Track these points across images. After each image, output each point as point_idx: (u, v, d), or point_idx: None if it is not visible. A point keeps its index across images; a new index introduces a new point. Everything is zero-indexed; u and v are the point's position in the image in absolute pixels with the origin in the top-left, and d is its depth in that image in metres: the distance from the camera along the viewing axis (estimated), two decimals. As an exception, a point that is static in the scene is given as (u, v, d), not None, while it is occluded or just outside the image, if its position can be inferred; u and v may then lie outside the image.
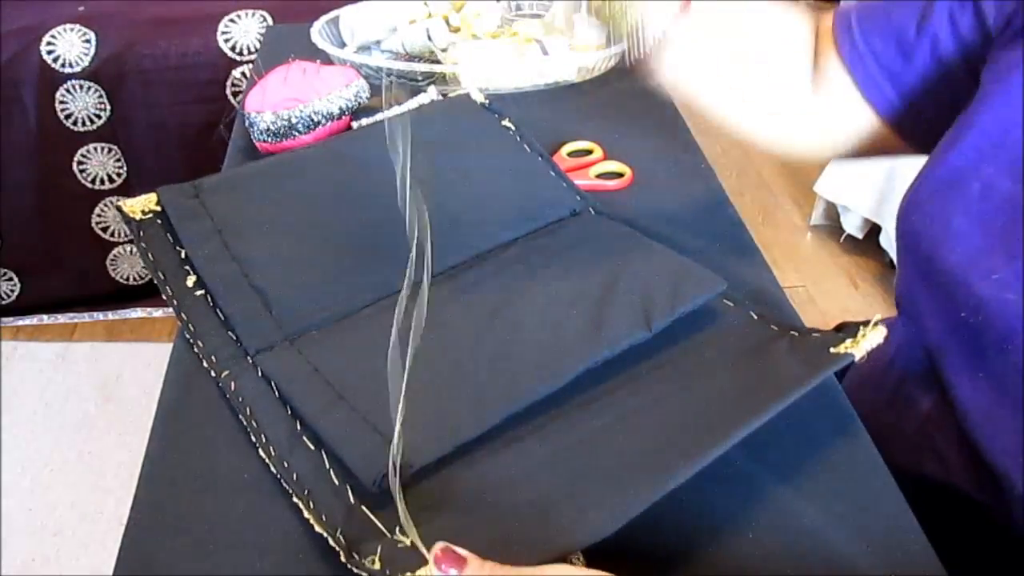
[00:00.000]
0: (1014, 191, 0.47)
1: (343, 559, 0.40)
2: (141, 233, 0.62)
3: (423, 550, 0.39)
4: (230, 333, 0.55)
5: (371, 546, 0.40)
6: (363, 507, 0.43)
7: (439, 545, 0.37)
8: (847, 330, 0.53)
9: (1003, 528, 0.53)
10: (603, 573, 0.38)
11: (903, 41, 0.55)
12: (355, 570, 0.40)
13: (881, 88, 0.56)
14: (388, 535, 0.41)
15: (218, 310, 0.57)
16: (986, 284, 0.47)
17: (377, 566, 0.39)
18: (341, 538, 0.41)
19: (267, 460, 0.47)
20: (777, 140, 0.62)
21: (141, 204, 0.63)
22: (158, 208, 0.63)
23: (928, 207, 0.51)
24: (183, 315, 0.56)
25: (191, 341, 0.55)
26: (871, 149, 0.60)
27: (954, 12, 0.53)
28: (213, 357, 0.54)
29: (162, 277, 0.59)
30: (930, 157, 0.52)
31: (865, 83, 0.57)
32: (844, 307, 1.90)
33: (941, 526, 0.45)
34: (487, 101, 0.79)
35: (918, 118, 0.57)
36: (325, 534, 0.42)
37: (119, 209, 0.63)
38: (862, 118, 0.58)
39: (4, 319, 1.78)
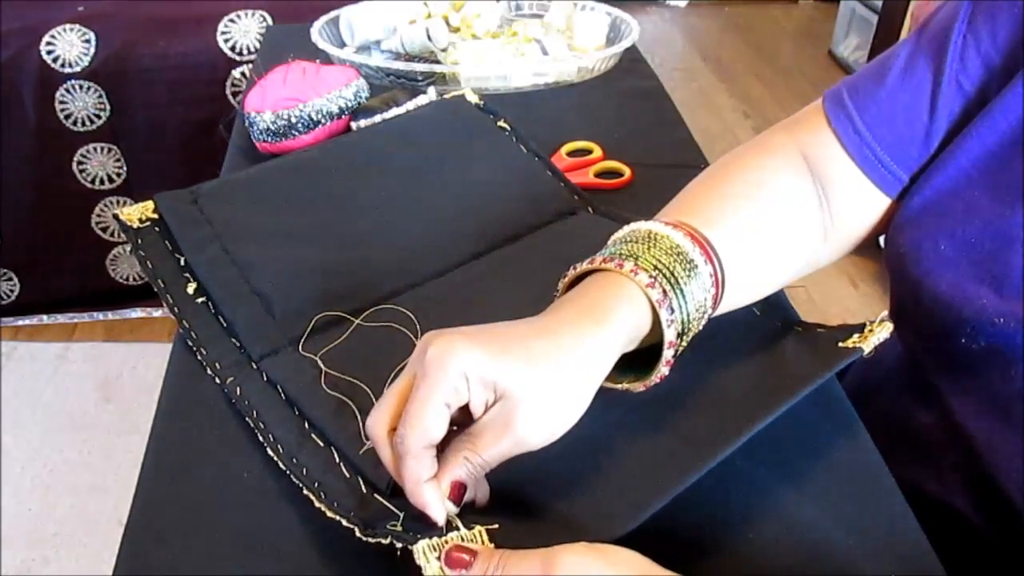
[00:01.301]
0: (997, 212, 0.46)
1: (359, 534, 0.40)
2: (139, 241, 0.61)
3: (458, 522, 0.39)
4: (233, 340, 0.55)
5: (390, 519, 0.40)
6: (376, 495, 0.43)
7: (447, 547, 0.38)
8: (848, 328, 0.53)
9: (1000, 548, 0.53)
10: (612, 546, 0.37)
11: (917, 129, 0.52)
12: (371, 540, 0.39)
13: (897, 177, 0.53)
14: (403, 513, 0.41)
15: (220, 317, 0.56)
16: (976, 309, 0.46)
17: (399, 528, 0.39)
18: (356, 519, 0.41)
19: (275, 458, 0.47)
20: (802, 272, 0.57)
21: (138, 212, 0.63)
22: (156, 215, 0.63)
23: (915, 231, 0.50)
24: (185, 323, 0.56)
25: (194, 349, 0.55)
26: (883, 230, 0.56)
27: (960, 78, 0.50)
28: (217, 364, 0.53)
29: (162, 285, 0.58)
30: (917, 181, 0.52)
31: (879, 176, 0.53)
32: (844, 307, 1.90)
33: (938, 541, 0.45)
34: (482, 102, 0.79)
35: None
36: (338, 517, 0.42)
37: (116, 217, 0.63)
38: (875, 206, 0.54)
39: (4, 319, 1.78)
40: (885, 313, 0.52)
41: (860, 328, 0.52)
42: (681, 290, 0.44)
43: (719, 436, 0.45)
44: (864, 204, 0.54)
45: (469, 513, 0.41)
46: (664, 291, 0.43)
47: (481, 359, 0.39)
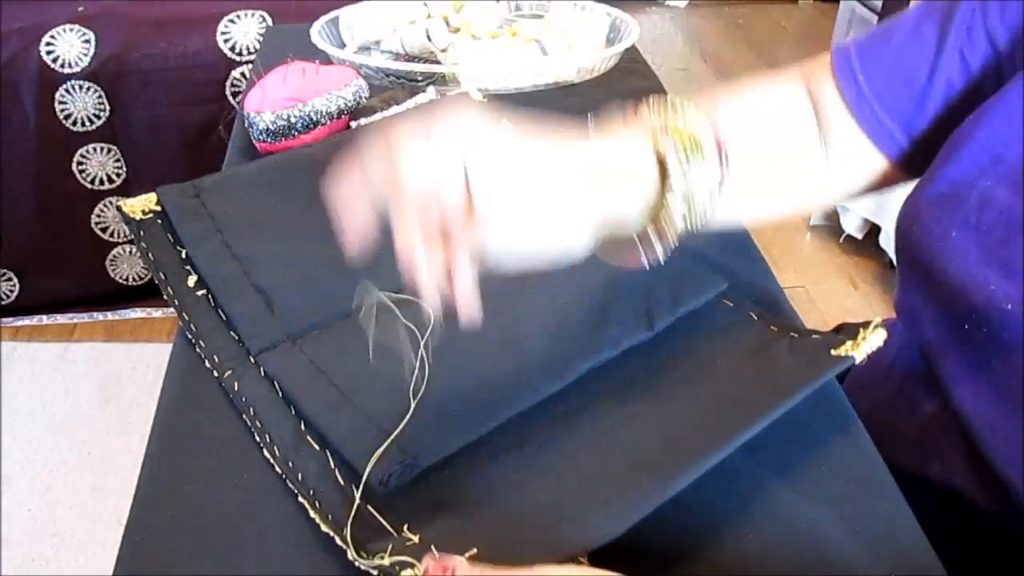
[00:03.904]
0: (1012, 202, 0.47)
1: (350, 557, 0.40)
2: (141, 233, 0.62)
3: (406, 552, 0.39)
4: (232, 333, 0.55)
5: (380, 545, 0.40)
6: (369, 507, 0.43)
7: (428, 559, 0.38)
8: (846, 331, 0.53)
9: (1005, 533, 0.53)
10: (599, 572, 0.38)
11: (914, 87, 0.53)
12: (362, 567, 0.40)
13: (892, 135, 0.54)
14: (395, 534, 0.41)
15: (220, 310, 0.56)
16: (984, 296, 0.46)
17: (387, 562, 0.39)
18: (348, 536, 0.42)
19: (272, 460, 0.47)
20: (790, 213, 0.59)
21: (141, 204, 0.63)
22: (158, 208, 0.63)
23: (926, 220, 0.50)
24: (185, 315, 0.56)
25: (193, 342, 0.55)
26: (875, 187, 0.58)
27: (964, 49, 0.51)
28: (216, 357, 0.53)
29: (163, 277, 0.59)
30: (928, 171, 0.52)
31: (875, 132, 0.55)
32: (843, 307, 1.90)
33: (943, 528, 0.45)
34: (485, 100, 0.79)
35: (928, 156, 0.55)
36: (331, 533, 0.42)
37: (119, 209, 0.63)
38: (869, 162, 0.56)
39: (4, 319, 1.78)
40: (879, 319, 0.52)
41: (854, 335, 0.52)
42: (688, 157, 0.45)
43: (705, 446, 0.45)
44: (859, 157, 0.56)
45: (448, 537, 0.40)
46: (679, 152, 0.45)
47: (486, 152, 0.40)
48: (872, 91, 0.54)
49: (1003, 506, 0.52)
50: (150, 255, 0.60)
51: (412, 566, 0.38)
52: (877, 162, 0.56)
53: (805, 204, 0.58)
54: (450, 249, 0.40)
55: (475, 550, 0.39)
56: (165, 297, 0.58)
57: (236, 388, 0.51)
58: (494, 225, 0.40)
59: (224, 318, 0.56)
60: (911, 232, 0.51)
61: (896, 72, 0.53)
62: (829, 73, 0.56)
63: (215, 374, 0.53)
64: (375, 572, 0.39)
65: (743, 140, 0.52)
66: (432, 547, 0.39)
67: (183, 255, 0.60)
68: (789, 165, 0.57)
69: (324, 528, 0.42)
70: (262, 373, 0.52)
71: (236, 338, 0.55)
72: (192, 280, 0.58)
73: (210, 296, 0.57)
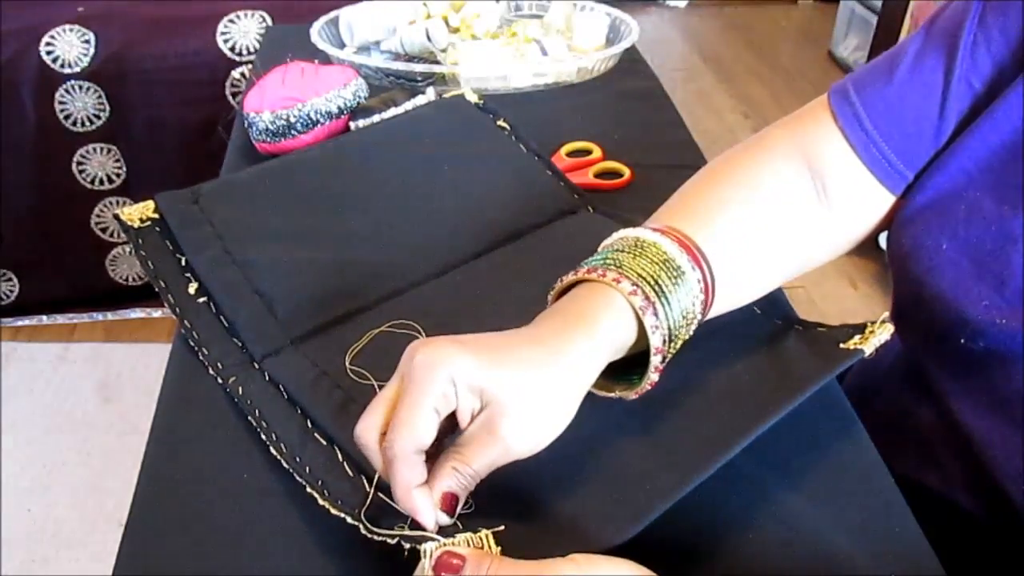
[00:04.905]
0: (998, 212, 0.46)
1: (363, 531, 0.40)
2: (140, 241, 0.61)
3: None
4: (235, 339, 0.55)
5: (395, 520, 0.40)
6: (379, 494, 0.43)
7: (438, 552, 0.38)
8: (849, 328, 0.53)
9: (1003, 543, 0.53)
10: (609, 558, 0.37)
11: (925, 126, 0.51)
12: (377, 539, 0.40)
13: (903, 175, 0.52)
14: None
15: (222, 316, 0.56)
16: (978, 310, 0.46)
17: (407, 532, 0.39)
18: (361, 515, 0.41)
19: (278, 456, 0.47)
20: (799, 271, 0.57)
21: (139, 212, 0.63)
22: (156, 215, 0.63)
23: (916, 230, 0.50)
24: (186, 323, 0.56)
25: (196, 349, 0.55)
26: (883, 227, 0.56)
27: (970, 77, 0.50)
28: (219, 364, 0.53)
29: (163, 285, 0.59)
30: (919, 180, 0.51)
31: (886, 174, 0.53)
32: (844, 308, 1.90)
33: (941, 536, 0.45)
34: (482, 101, 0.79)
35: None
36: (342, 515, 0.42)
37: (116, 218, 0.63)
38: (878, 204, 0.54)
39: (4, 319, 1.78)
40: (886, 314, 0.52)
41: (861, 329, 0.52)
42: (666, 297, 0.44)
43: (720, 440, 0.45)
44: (867, 201, 0.54)
45: (475, 516, 0.41)
46: (647, 297, 0.43)
47: (469, 365, 0.39)
48: (881, 134, 0.52)
49: (999, 515, 0.52)
50: (149, 263, 0.60)
51: (434, 539, 0.38)
52: (886, 203, 0.54)
53: (811, 265, 0.56)
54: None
55: (502, 527, 0.39)
56: (166, 305, 0.58)
57: (241, 393, 0.51)
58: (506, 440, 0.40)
59: (226, 324, 0.56)
60: (902, 243, 0.51)
61: (904, 112, 0.51)
62: (829, 119, 0.54)
63: (219, 381, 0.53)
64: (392, 541, 0.39)
65: (741, 244, 0.50)
66: (457, 522, 0.40)
67: (182, 262, 0.60)
68: (792, 245, 0.54)
69: (333, 511, 0.42)
70: (266, 378, 0.52)
71: (239, 344, 0.55)
72: (193, 287, 0.58)
73: (211, 303, 0.57)
